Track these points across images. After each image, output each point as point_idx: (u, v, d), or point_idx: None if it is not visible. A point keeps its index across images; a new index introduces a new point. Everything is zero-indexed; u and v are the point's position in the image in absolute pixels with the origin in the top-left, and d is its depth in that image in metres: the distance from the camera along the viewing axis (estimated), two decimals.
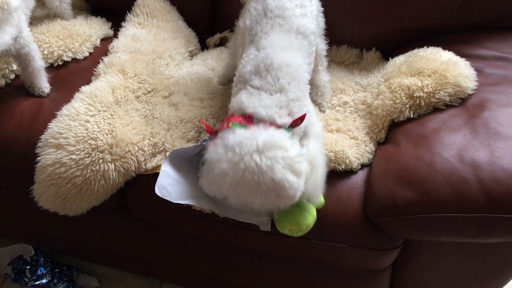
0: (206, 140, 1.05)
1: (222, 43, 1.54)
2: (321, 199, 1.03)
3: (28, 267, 1.52)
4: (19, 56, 1.17)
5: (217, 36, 1.53)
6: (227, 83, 1.32)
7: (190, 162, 1.08)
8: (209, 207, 1.03)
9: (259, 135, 0.87)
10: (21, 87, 1.26)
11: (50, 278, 1.51)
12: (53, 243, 1.53)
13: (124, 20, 1.48)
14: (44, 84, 1.24)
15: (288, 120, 0.93)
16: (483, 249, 1.02)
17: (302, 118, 0.93)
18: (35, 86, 1.23)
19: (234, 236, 1.12)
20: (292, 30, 1.04)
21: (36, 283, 1.50)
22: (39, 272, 1.51)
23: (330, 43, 1.34)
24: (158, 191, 1.03)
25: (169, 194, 1.03)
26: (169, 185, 1.04)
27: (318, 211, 1.03)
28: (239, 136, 0.87)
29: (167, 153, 1.11)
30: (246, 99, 0.96)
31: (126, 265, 1.52)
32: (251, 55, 1.02)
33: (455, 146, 0.97)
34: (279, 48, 1.01)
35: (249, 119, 0.93)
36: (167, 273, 1.47)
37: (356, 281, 1.16)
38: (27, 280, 1.51)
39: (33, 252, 1.53)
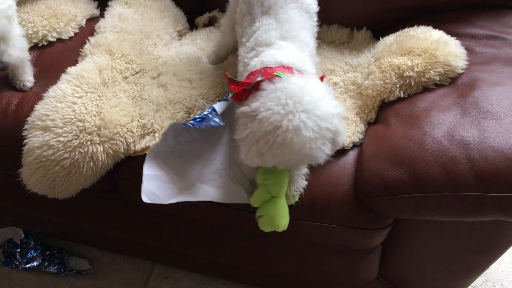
0: (213, 108, 1.02)
1: (211, 22, 1.52)
2: (292, 200, 1.04)
3: (18, 250, 1.51)
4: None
5: (206, 15, 1.50)
6: (218, 62, 1.30)
7: (173, 154, 1.07)
8: (203, 198, 1.03)
9: (317, 85, 0.86)
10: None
11: (40, 261, 1.51)
12: (43, 226, 1.52)
13: None
14: (27, 78, 1.21)
15: None
16: (472, 228, 1.03)
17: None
18: (17, 79, 1.20)
19: (225, 217, 1.12)
20: (303, 8, 1.04)
21: (27, 266, 1.50)
22: (29, 255, 1.51)
23: (321, 23, 1.32)
24: (146, 198, 1.01)
25: (158, 197, 1.02)
26: (156, 188, 1.03)
27: (304, 194, 1.04)
28: (303, 88, 0.83)
29: (157, 135, 1.10)
30: (278, 52, 0.94)
31: (117, 247, 1.52)
32: (271, 24, 1.00)
33: (445, 126, 0.97)
34: (299, 26, 1.01)
35: (289, 70, 0.89)
36: (158, 255, 1.47)
37: (345, 260, 1.16)
38: (17, 263, 1.50)
39: (23, 235, 1.52)
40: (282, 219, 0.97)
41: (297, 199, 1.03)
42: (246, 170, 1.04)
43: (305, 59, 0.97)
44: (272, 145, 0.82)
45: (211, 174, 1.05)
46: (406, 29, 1.23)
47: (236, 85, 0.89)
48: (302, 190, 1.03)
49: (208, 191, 1.04)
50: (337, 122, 0.86)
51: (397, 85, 1.11)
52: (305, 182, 1.04)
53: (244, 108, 0.86)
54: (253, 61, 0.96)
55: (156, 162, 1.05)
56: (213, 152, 1.07)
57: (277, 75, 0.86)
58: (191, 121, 0.99)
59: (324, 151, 0.85)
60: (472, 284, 1.50)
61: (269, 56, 0.94)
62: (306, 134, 0.80)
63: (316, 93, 0.84)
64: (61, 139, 1.07)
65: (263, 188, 0.98)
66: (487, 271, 1.52)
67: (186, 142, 1.08)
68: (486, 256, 1.10)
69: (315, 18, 1.09)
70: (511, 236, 1.04)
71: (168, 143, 1.07)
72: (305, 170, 1.04)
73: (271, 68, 0.89)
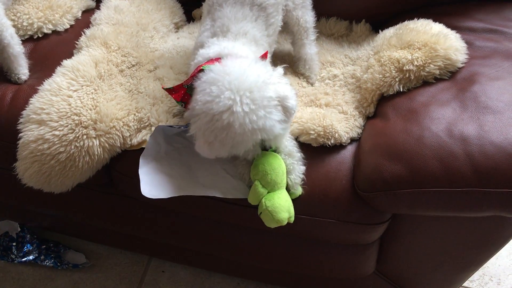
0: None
1: None
2: (299, 189, 1.03)
3: (14, 244, 1.51)
4: None
5: None
6: None
7: (168, 158, 1.06)
8: (204, 193, 1.02)
9: (237, 63, 0.88)
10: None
11: (36, 255, 1.50)
12: (40, 220, 1.51)
13: None
14: (21, 71, 1.20)
15: None
16: (470, 223, 1.03)
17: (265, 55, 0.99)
18: (12, 72, 1.19)
19: (222, 211, 1.11)
20: (246, 2, 1.05)
21: (23, 259, 1.49)
22: (25, 249, 1.50)
23: (319, 15, 1.31)
24: (146, 191, 1.01)
25: (158, 191, 1.02)
26: (155, 182, 1.03)
27: (304, 187, 1.03)
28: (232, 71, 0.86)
29: (151, 133, 1.09)
30: (207, 49, 0.98)
31: (114, 241, 1.51)
32: (207, 25, 1.05)
33: (444, 120, 0.96)
34: (234, 19, 1.03)
35: (217, 60, 0.93)
36: (155, 249, 1.47)
37: (343, 255, 1.16)
38: (13, 257, 1.50)
39: (19, 229, 1.52)
40: (282, 212, 0.96)
41: (300, 190, 1.02)
42: (242, 168, 1.03)
43: (235, 45, 0.99)
44: (216, 132, 0.85)
45: (212, 172, 1.04)
46: (405, 22, 1.22)
47: (174, 92, 0.94)
48: (302, 176, 1.02)
49: (210, 186, 1.03)
50: (277, 87, 0.87)
51: (397, 79, 1.10)
52: (303, 167, 1.03)
53: (186, 114, 0.91)
54: (191, 65, 1.02)
55: (154, 156, 1.05)
56: None
57: (202, 70, 0.90)
58: (182, 126, 1.00)
59: (274, 120, 0.86)
60: (470, 278, 1.50)
61: (199, 56, 0.99)
62: (238, 109, 0.82)
63: (236, 70, 0.86)
64: (57, 133, 1.05)
65: (256, 184, 0.97)
66: (484, 265, 1.52)
67: (183, 147, 1.07)
68: (484, 251, 1.10)
69: (271, 9, 1.07)
70: (509, 231, 1.04)
71: (162, 149, 1.06)
72: (298, 155, 1.03)
73: (200, 66, 0.93)
